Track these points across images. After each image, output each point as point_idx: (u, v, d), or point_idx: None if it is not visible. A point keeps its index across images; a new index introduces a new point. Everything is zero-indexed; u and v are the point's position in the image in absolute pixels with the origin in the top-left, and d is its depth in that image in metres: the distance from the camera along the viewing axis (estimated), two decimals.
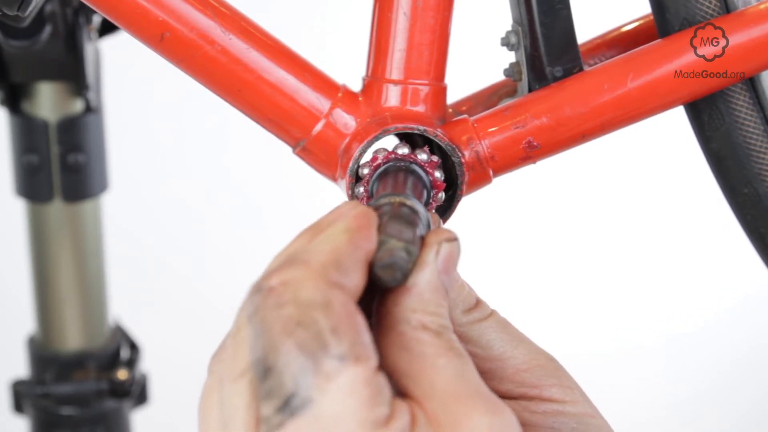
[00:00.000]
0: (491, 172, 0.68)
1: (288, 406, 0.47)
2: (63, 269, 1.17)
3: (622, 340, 1.94)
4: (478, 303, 0.58)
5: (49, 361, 1.19)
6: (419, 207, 0.57)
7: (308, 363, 0.47)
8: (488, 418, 0.48)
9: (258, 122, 0.69)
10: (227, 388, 0.50)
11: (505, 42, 0.72)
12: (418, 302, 0.52)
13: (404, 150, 0.66)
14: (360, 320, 0.49)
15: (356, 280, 0.50)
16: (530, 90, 0.70)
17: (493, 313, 0.58)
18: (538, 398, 0.57)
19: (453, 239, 0.54)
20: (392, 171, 0.65)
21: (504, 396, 0.58)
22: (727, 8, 0.69)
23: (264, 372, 0.48)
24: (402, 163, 0.65)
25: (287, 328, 0.47)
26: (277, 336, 0.47)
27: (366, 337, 0.49)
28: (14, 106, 1.11)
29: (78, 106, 1.11)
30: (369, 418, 0.47)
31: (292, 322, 0.47)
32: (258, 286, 0.50)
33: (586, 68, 0.70)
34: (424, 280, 0.52)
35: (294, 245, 0.53)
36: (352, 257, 0.50)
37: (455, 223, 0.67)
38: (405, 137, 0.67)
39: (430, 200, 0.66)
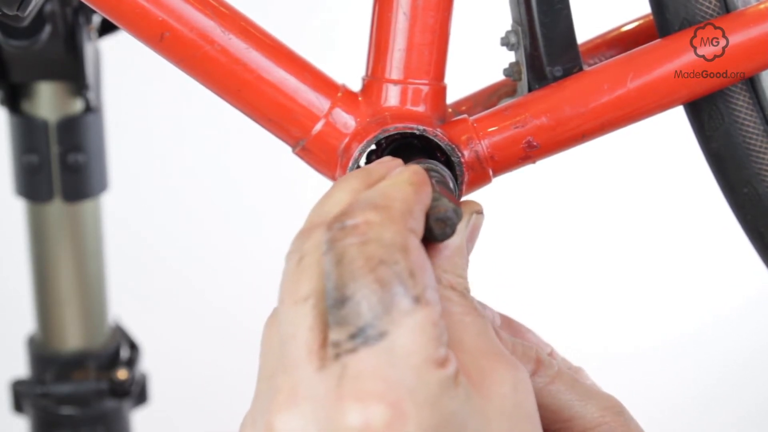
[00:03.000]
0: (491, 172, 0.68)
1: (362, 335, 0.50)
2: (63, 269, 1.17)
3: (622, 341, 1.94)
4: (539, 362, 0.59)
5: (49, 361, 1.19)
6: (449, 174, 0.63)
7: (387, 298, 0.50)
8: (511, 372, 0.53)
9: (258, 122, 0.69)
10: (287, 309, 0.52)
11: (505, 42, 0.72)
12: (449, 264, 0.56)
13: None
14: (430, 267, 0.53)
15: (421, 230, 0.54)
16: (530, 90, 0.70)
17: (559, 373, 0.59)
18: None
19: (481, 212, 0.59)
20: (413, 145, 0.67)
21: None
22: (727, 8, 0.69)
23: (339, 300, 0.50)
24: (418, 142, 0.67)
25: (370, 263, 0.50)
26: (358, 270, 0.50)
27: (434, 283, 0.52)
28: (14, 106, 1.11)
29: (78, 106, 1.11)
30: (433, 356, 0.50)
31: (375, 259, 0.50)
32: (339, 220, 0.52)
33: (586, 68, 0.70)
34: (455, 244, 0.57)
35: (347, 186, 0.56)
36: (418, 208, 0.54)
37: None
38: (405, 137, 0.67)
39: None
